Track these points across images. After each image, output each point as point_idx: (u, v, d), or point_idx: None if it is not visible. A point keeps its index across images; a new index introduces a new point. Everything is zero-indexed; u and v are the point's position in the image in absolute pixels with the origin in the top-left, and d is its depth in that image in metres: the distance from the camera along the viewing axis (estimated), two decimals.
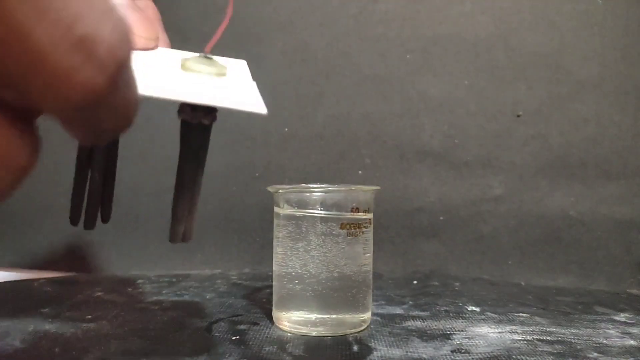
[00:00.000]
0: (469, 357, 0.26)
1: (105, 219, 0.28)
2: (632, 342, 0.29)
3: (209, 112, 0.23)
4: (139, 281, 0.42)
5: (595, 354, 0.27)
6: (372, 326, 0.31)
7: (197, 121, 0.23)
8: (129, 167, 0.50)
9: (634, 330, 0.31)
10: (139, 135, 0.49)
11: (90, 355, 0.26)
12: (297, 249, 0.30)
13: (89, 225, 0.27)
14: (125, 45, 0.14)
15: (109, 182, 0.27)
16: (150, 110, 0.47)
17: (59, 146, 0.50)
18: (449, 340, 0.29)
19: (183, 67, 0.24)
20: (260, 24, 0.50)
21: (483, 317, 0.34)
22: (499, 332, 0.30)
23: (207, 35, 0.24)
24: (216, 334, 0.29)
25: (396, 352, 0.27)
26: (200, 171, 0.24)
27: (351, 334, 0.30)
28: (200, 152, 0.24)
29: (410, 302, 0.37)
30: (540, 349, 0.27)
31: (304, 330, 0.30)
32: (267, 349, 0.27)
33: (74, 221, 0.27)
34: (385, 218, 0.47)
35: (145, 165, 0.49)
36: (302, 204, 0.30)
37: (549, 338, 0.30)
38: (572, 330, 0.31)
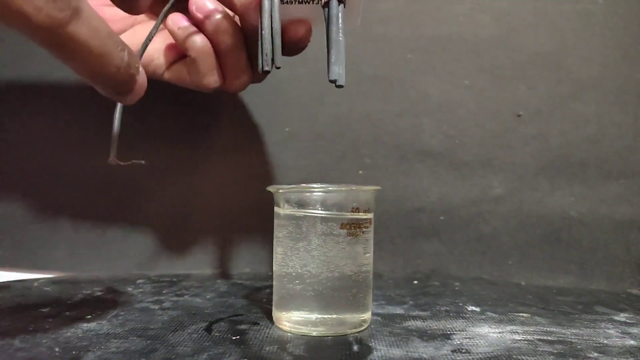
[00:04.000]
0: (470, 357, 0.26)
1: None
2: (632, 342, 0.29)
3: None
4: (139, 281, 0.42)
5: (596, 354, 0.27)
6: (372, 326, 0.31)
7: None
8: (128, 167, 0.50)
9: (634, 330, 0.31)
10: (139, 135, 0.49)
11: (90, 355, 0.26)
12: (297, 249, 0.30)
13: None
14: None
15: None
16: (150, 114, 0.47)
17: (60, 147, 0.50)
18: (449, 340, 0.29)
19: None
20: None
21: (483, 317, 0.34)
22: (499, 332, 0.30)
23: None
24: (216, 334, 0.29)
25: (396, 352, 0.27)
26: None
27: (351, 333, 0.30)
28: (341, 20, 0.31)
29: (411, 302, 0.37)
30: (540, 349, 0.27)
31: (304, 330, 0.30)
32: (267, 349, 0.27)
33: None
34: (385, 218, 0.47)
35: (145, 166, 0.49)
36: (302, 204, 0.30)
37: (549, 338, 0.30)
38: (573, 330, 0.31)
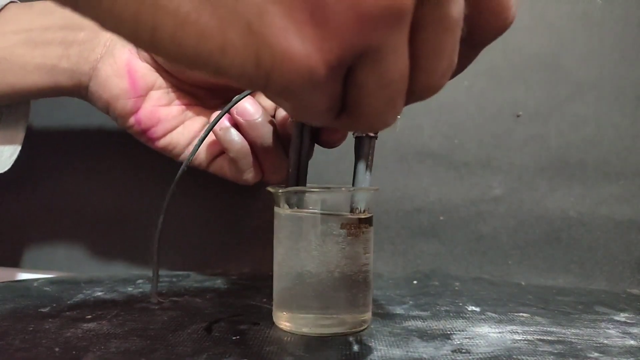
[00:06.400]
0: (470, 357, 0.26)
1: None
2: (633, 342, 0.29)
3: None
4: (139, 281, 0.42)
5: (596, 354, 0.27)
6: (372, 326, 0.31)
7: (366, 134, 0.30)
8: (129, 168, 0.50)
9: (634, 330, 0.31)
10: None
11: (90, 355, 0.26)
12: (297, 249, 0.30)
13: None
14: (360, 31, 0.13)
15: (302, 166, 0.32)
16: None
17: (63, 147, 0.50)
18: (450, 340, 0.29)
19: None
20: None
21: (483, 317, 0.34)
22: (500, 332, 0.30)
23: None
24: (216, 334, 0.29)
25: (396, 352, 0.27)
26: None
27: (351, 333, 0.30)
28: (370, 156, 0.30)
29: (411, 302, 0.37)
30: (540, 349, 0.28)
31: (304, 330, 0.30)
32: (267, 349, 0.27)
33: None
34: (385, 218, 0.47)
35: (145, 166, 0.49)
36: (302, 204, 0.30)
37: (549, 338, 0.30)
38: (573, 330, 0.31)
